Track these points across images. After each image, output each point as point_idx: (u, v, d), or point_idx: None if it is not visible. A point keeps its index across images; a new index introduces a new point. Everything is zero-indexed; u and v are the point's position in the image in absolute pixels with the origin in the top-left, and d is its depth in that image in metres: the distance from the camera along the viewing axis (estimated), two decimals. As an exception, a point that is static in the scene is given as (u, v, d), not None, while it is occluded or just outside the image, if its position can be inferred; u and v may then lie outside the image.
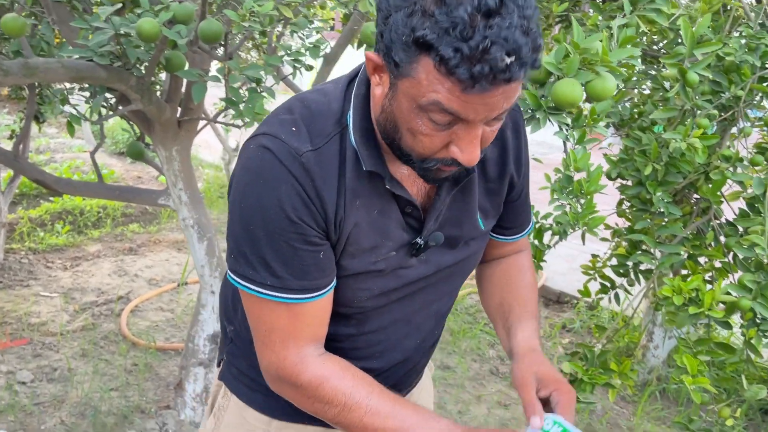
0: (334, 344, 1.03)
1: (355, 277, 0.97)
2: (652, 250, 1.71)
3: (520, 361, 1.05)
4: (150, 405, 2.63)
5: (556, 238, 1.83)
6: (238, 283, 0.94)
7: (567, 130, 1.31)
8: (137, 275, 4.03)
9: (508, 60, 0.73)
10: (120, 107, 2.11)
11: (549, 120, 1.26)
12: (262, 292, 0.92)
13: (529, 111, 1.25)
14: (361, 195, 0.92)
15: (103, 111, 2.29)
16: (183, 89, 2.27)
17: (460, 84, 0.74)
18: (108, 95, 2.15)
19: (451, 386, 2.95)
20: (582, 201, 1.36)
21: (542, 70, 1.24)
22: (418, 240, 0.98)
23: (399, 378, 1.15)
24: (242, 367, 1.12)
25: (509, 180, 1.07)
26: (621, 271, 1.89)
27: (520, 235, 1.19)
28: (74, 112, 2.18)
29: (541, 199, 1.82)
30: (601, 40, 1.21)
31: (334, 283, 0.96)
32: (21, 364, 2.89)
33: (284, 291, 0.91)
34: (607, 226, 2.10)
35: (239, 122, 1.97)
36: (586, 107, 1.35)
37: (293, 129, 0.89)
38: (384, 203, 0.94)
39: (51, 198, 5.19)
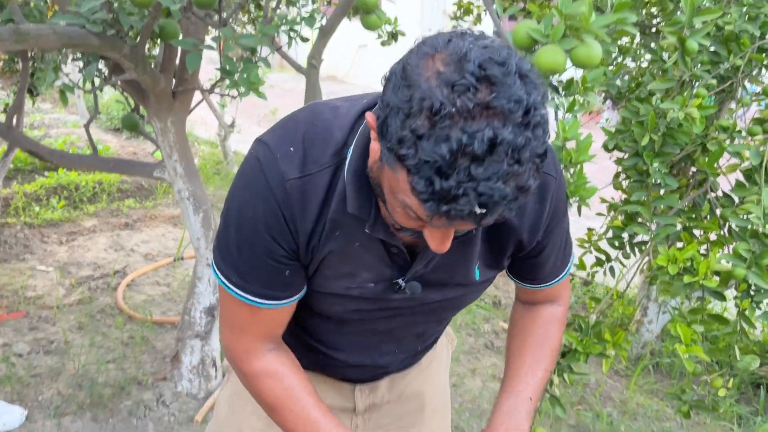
0: (309, 331, 1.09)
1: (332, 296, 1.00)
2: (647, 222, 1.71)
3: None
4: (147, 377, 2.65)
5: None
6: (213, 266, 0.98)
7: (557, 99, 1.30)
8: (133, 250, 4.02)
9: (478, 211, 0.70)
10: (113, 77, 2.09)
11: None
12: (227, 285, 0.96)
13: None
14: (342, 226, 0.91)
15: (97, 81, 2.26)
16: (177, 60, 2.25)
17: (428, 211, 0.72)
18: (102, 67, 2.13)
19: (447, 360, 2.97)
20: (572, 171, 1.36)
21: (527, 37, 1.23)
22: (399, 281, 0.97)
23: (363, 376, 1.19)
24: None
25: (516, 244, 1.00)
26: (616, 243, 1.90)
27: (544, 285, 1.11)
28: (67, 81, 2.16)
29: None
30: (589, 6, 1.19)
31: (298, 295, 0.99)
32: (17, 336, 2.90)
33: (246, 291, 0.95)
34: (603, 200, 2.10)
35: (234, 93, 1.95)
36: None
37: (291, 149, 0.88)
38: (367, 239, 0.92)
39: (46, 173, 5.17)
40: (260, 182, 0.88)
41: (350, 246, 0.92)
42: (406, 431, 1.27)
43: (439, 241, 0.80)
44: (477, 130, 0.67)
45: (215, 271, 0.98)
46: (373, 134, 0.80)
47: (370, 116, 0.79)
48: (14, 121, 2.61)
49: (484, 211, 0.70)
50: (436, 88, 0.69)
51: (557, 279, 1.11)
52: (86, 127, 2.47)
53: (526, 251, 1.02)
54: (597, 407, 2.64)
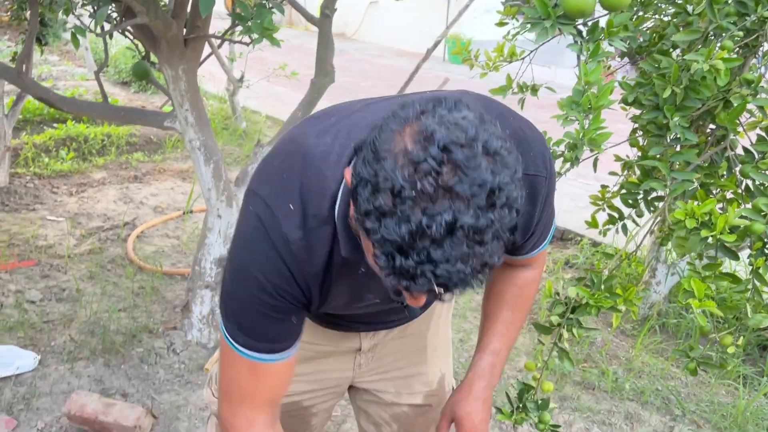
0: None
1: (336, 313, 1.08)
2: (664, 179, 1.69)
3: (458, 391, 1.21)
4: (157, 325, 2.68)
5: (568, 165, 1.81)
6: (221, 325, 0.99)
7: (581, 43, 1.27)
8: (142, 203, 4.03)
9: (437, 289, 0.72)
10: (124, 21, 2.06)
11: (559, 30, 1.22)
12: (233, 345, 0.96)
13: (538, 18, 1.20)
14: (348, 264, 0.92)
15: (108, 26, 2.23)
16: (189, 7, 2.21)
17: (389, 284, 0.74)
18: (112, 11, 2.10)
19: (453, 317, 2.99)
20: (591, 117, 1.34)
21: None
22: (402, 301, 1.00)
23: (369, 329, 1.23)
24: None
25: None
26: (630, 201, 1.88)
27: (524, 256, 1.16)
28: (78, 23, 2.13)
29: (555, 126, 1.79)
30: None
31: (300, 339, 1.01)
32: (30, 284, 2.93)
33: (250, 349, 0.96)
34: (618, 158, 2.08)
35: (246, 39, 1.92)
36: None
37: (290, 207, 0.88)
38: (369, 268, 0.92)
39: (55, 125, 5.15)
40: (266, 245, 0.89)
41: (355, 277, 0.95)
42: (407, 367, 1.31)
43: (414, 300, 0.80)
44: (437, 213, 0.68)
45: (222, 331, 0.99)
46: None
47: (348, 174, 0.80)
48: (24, 68, 2.59)
49: (442, 290, 0.72)
50: (400, 168, 0.69)
51: (537, 250, 1.15)
52: (96, 75, 2.45)
53: (517, 243, 1.08)
54: (603, 365, 2.66)
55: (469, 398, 1.19)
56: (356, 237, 0.86)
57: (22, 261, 3.09)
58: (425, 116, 0.72)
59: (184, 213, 3.87)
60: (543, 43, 1.77)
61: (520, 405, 1.79)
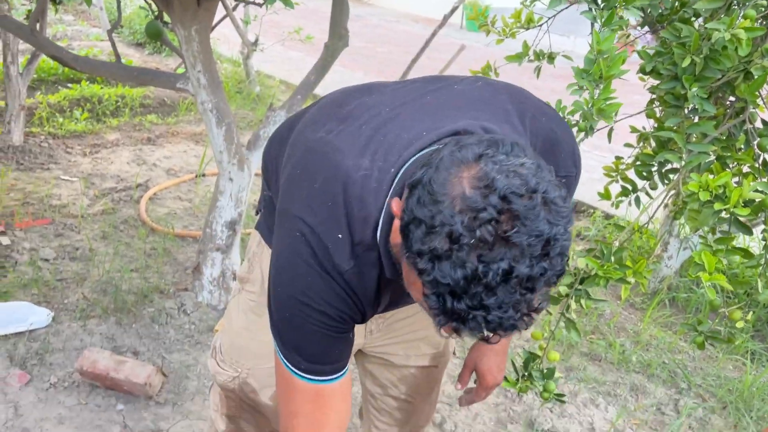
0: None
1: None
2: (679, 150, 1.66)
3: (479, 347, 1.33)
4: (168, 286, 2.71)
5: (582, 135, 1.78)
6: (281, 357, 0.99)
7: (595, 10, 1.24)
8: (155, 165, 4.05)
9: (486, 333, 0.74)
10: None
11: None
12: (293, 370, 0.97)
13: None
14: (392, 280, 0.95)
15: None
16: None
17: (437, 324, 0.76)
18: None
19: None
20: (600, 87, 1.31)
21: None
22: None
23: None
24: (273, 226, 1.15)
25: None
26: (644, 173, 1.86)
27: None
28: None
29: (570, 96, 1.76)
30: None
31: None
32: (44, 242, 2.96)
33: (315, 374, 0.97)
34: (633, 129, 2.04)
35: (260, 0, 1.89)
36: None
37: (339, 236, 0.89)
38: None
39: (69, 85, 5.15)
40: (320, 276, 0.90)
41: (398, 287, 0.95)
42: (416, 330, 1.32)
43: (451, 331, 0.81)
44: (493, 260, 0.69)
45: (282, 362, 0.98)
46: (397, 219, 0.82)
47: (395, 205, 0.81)
48: (38, 26, 2.58)
49: (491, 334, 0.74)
50: (459, 214, 0.70)
51: None
52: (109, 34, 2.44)
53: None
54: (610, 337, 2.67)
55: (489, 354, 1.32)
56: (396, 263, 0.88)
57: (37, 220, 3.12)
58: (484, 161, 0.73)
59: (196, 176, 3.88)
60: (560, 11, 1.73)
61: (526, 373, 1.80)
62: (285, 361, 0.98)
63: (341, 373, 1.00)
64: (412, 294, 0.83)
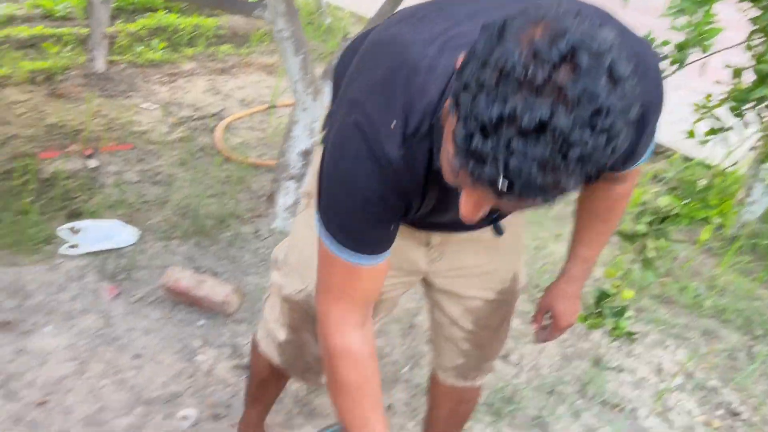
0: None
1: (425, 221, 1.10)
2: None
3: (554, 288, 1.38)
4: (244, 213, 2.80)
5: (673, 68, 1.70)
6: (319, 227, 1.01)
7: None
8: (229, 95, 4.12)
9: (500, 183, 0.67)
10: None
11: None
12: (331, 245, 1.00)
13: None
14: (440, 176, 0.89)
15: None
16: None
17: (455, 162, 0.71)
18: None
19: (531, 223, 2.97)
20: (702, 10, 1.24)
21: None
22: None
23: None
24: None
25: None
26: (738, 111, 1.77)
27: (620, 172, 1.13)
28: None
29: (661, 25, 1.67)
30: None
31: (391, 247, 1.04)
32: (127, 166, 3.10)
33: (351, 249, 0.99)
34: (728, 66, 1.93)
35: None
36: None
37: (393, 124, 0.88)
38: None
39: (146, 14, 5.25)
40: (369, 161, 0.91)
41: (448, 190, 0.92)
42: (481, 265, 1.33)
43: (471, 207, 0.78)
44: (535, 105, 0.64)
45: (322, 234, 1.01)
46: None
47: (460, 59, 0.75)
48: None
49: (506, 184, 0.67)
50: (521, 51, 0.66)
51: (634, 166, 1.12)
52: (189, -40, 2.45)
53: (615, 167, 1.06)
54: (684, 280, 2.61)
55: (564, 297, 1.36)
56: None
57: (120, 144, 3.26)
58: (566, 17, 0.69)
59: (269, 107, 3.93)
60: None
61: (597, 311, 1.80)
62: (324, 234, 1.01)
63: (377, 257, 1.02)
64: (442, 160, 0.79)
